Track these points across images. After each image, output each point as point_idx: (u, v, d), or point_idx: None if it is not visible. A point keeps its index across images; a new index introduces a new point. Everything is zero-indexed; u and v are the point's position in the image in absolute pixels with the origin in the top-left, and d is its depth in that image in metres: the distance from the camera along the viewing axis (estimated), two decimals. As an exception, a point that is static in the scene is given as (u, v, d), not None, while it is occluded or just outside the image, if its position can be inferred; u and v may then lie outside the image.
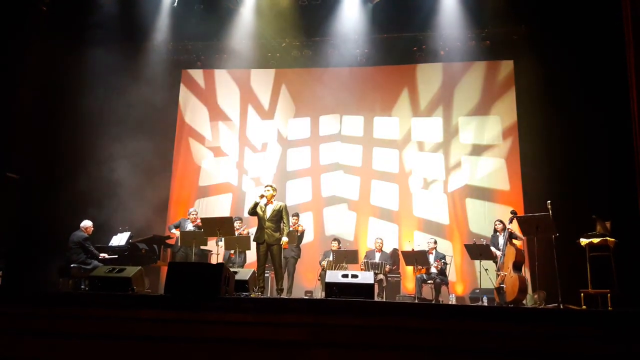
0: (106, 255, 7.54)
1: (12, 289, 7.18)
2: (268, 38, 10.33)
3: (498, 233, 7.76)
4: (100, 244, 7.87)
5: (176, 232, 8.37)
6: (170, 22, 10.15)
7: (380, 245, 8.77)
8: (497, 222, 7.83)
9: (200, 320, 4.06)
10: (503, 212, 8.93)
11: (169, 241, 8.53)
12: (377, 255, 8.66)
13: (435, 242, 8.59)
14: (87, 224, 7.58)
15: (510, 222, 7.25)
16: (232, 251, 8.30)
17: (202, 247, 8.37)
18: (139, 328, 4.00)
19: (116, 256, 7.59)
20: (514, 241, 7.26)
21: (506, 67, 10.14)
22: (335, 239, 8.93)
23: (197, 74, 11.20)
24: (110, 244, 8.00)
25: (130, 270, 5.45)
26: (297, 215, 8.76)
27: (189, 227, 8.36)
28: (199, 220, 8.30)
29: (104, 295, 4.89)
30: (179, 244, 8.27)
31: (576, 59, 8.57)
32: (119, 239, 8.02)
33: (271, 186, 6.96)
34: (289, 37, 10.30)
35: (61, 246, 7.53)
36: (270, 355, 3.73)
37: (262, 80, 11.02)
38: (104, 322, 4.10)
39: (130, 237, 7.98)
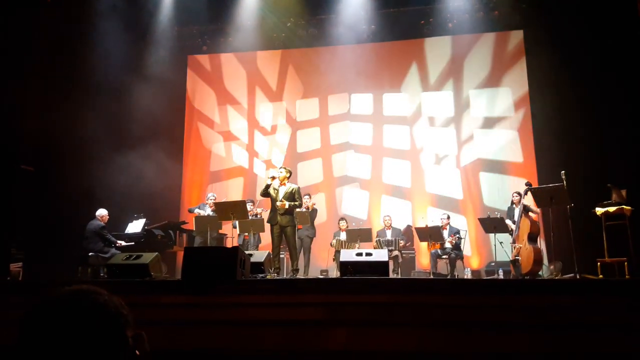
0: (123, 243, 7.63)
1: (32, 278, 7.32)
2: (273, 18, 10.23)
3: (514, 205, 7.70)
4: (116, 232, 7.96)
5: (200, 212, 8.45)
6: (175, 7, 10.10)
7: (389, 222, 8.78)
8: (515, 194, 7.76)
9: (218, 304, 4.11)
10: (517, 185, 8.86)
11: (185, 226, 8.63)
12: (388, 232, 8.68)
13: (449, 218, 8.57)
14: (102, 212, 7.66)
15: (525, 194, 7.18)
16: (247, 233, 8.37)
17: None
18: (158, 313, 4.06)
19: (132, 243, 7.67)
20: (530, 213, 7.22)
21: (516, 36, 9.95)
22: (342, 219, 8.95)
23: (203, 59, 11.17)
24: (126, 232, 8.09)
25: (147, 257, 5.50)
26: (308, 195, 8.81)
27: (208, 211, 8.41)
28: None
29: (123, 282, 4.96)
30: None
31: (587, 25, 8.37)
32: (135, 226, 8.11)
33: (285, 168, 7.01)
34: (293, 17, 10.20)
35: (78, 235, 7.64)
36: (288, 335, 3.77)
37: (268, 62, 10.95)
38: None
39: (145, 224, 8.06)
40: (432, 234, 7.97)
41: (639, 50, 6.46)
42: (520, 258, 7.07)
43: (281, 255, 7.82)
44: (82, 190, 8.73)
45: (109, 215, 7.77)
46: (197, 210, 8.62)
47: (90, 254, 7.30)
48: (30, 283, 5.73)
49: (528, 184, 7.25)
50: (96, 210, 7.69)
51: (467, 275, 8.34)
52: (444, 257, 8.19)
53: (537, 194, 6.56)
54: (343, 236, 8.53)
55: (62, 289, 1.06)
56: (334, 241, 8.56)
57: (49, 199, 8.57)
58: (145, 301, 4.22)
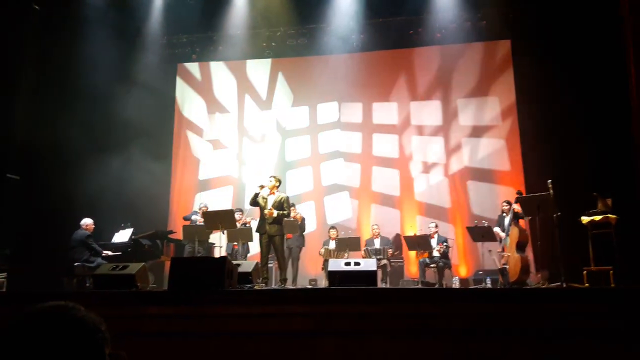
0: (109, 253, 7.54)
1: (17, 289, 7.21)
2: (263, 27, 10.26)
3: (505, 214, 7.75)
4: (102, 241, 7.88)
5: (198, 218, 8.44)
6: (164, 15, 10.09)
7: (377, 231, 8.81)
8: (504, 203, 7.82)
9: (205, 315, 4.07)
10: (504, 193, 8.94)
11: (173, 236, 8.57)
12: (376, 241, 8.70)
13: (437, 226, 8.60)
14: (87, 221, 7.57)
15: (516, 202, 7.23)
16: (235, 243, 8.33)
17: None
18: (145, 324, 4.01)
19: (119, 253, 7.59)
20: (520, 221, 7.26)
21: (503, 46, 10.06)
22: (332, 227, 8.95)
23: (192, 67, 11.15)
24: (112, 241, 8.00)
25: (134, 267, 5.42)
26: (293, 205, 8.78)
27: (199, 219, 8.37)
28: None
29: (109, 293, 4.90)
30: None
31: (573, 35, 8.49)
32: (122, 236, 8.03)
33: (275, 177, 6.98)
34: (283, 26, 10.23)
35: (64, 245, 7.55)
36: (277, 345, 3.75)
37: (258, 71, 10.97)
38: (109, 320, 4.12)
39: (132, 234, 7.99)
40: (420, 243, 7.99)
41: (624, 60, 6.55)
42: (507, 266, 7.11)
43: (270, 265, 7.79)
44: (69, 199, 8.64)
45: (95, 224, 7.68)
46: (193, 217, 8.60)
47: (76, 264, 7.21)
48: (14, 294, 5.65)
49: (519, 193, 7.27)
50: (82, 219, 7.61)
51: (455, 283, 8.36)
52: (432, 265, 8.21)
53: (524, 203, 6.61)
54: (332, 245, 8.52)
55: (40, 305, 1.05)
56: (322, 250, 8.54)
57: (35, 208, 8.48)
58: (131, 312, 4.17)
